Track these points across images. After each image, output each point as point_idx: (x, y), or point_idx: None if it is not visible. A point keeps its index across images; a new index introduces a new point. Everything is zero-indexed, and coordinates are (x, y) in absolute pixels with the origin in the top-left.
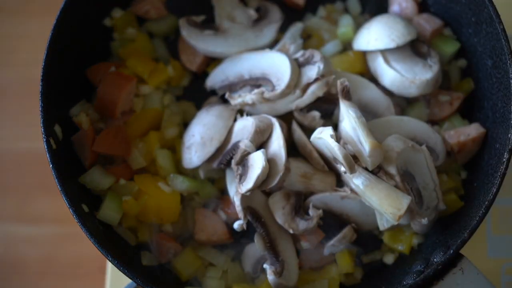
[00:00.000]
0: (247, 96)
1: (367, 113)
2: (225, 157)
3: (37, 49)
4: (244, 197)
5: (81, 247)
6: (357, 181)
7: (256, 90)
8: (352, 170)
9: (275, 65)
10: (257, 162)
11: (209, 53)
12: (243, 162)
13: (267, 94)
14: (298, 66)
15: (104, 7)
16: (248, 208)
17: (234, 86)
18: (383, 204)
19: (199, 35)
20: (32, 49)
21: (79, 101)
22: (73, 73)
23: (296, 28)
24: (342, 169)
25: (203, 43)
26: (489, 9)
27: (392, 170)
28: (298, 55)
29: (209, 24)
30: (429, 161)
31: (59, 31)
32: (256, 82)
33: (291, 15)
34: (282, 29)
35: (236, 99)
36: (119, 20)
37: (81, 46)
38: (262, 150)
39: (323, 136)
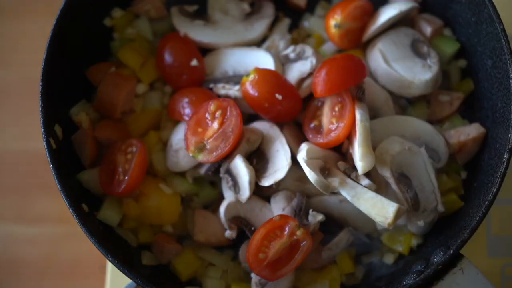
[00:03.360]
0: (231, 91)
1: None
2: (213, 165)
3: (37, 49)
4: (229, 209)
5: (81, 247)
6: (343, 193)
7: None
8: (326, 191)
9: (260, 63)
10: (240, 169)
11: (197, 43)
12: (229, 170)
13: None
14: (288, 62)
15: (104, 7)
16: (236, 218)
17: (217, 82)
18: (371, 214)
19: (189, 24)
20: (32, 49)
21: (79, 101)
22: (73, 73)
23: (284, 24)
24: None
25: (192, 33)
26: (489, 9)
27: (386, 173)
28: (289, 50)
29: (201, 14)
30: (427, 163)
31: (59, 31)
32: (240, 79)
33: (292, 16)
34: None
35: (220, 90)
36: (119, 20)
37: (81, 46)
38: (238, 156)
39: (298, 159)
